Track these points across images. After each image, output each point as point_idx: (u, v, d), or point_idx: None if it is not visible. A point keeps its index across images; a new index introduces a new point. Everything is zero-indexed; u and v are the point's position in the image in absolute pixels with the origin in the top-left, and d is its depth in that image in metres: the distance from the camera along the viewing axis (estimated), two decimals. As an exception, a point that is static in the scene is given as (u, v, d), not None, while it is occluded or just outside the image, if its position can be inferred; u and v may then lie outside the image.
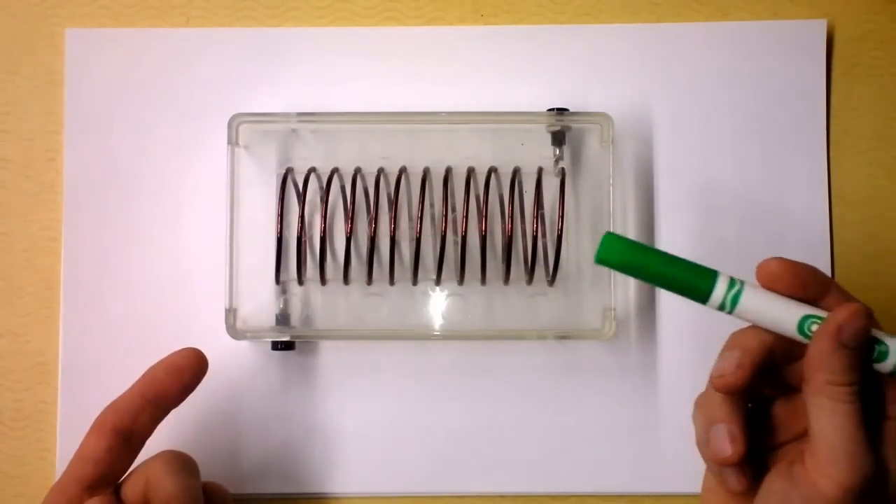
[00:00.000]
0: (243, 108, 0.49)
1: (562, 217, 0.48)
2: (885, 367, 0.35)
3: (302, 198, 0.49)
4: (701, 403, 0.38)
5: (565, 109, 0.49)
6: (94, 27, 0.53)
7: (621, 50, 0.52)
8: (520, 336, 0.50)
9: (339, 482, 0.51)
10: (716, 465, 0.37)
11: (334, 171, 0.50)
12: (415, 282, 0.50)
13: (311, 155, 0.51)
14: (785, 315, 0.35)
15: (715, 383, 0.36)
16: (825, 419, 0.33)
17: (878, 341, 0.35)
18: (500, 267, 0.49)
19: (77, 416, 0.51)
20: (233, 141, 0.49)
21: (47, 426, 0.51)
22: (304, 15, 0.53)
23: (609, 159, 0.48)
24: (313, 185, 0.50)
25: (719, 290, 0.35)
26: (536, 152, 0.50)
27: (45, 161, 0.53)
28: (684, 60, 0.52)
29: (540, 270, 0.49)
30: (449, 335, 0.50)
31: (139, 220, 0.52)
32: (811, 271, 0.36)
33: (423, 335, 0.51)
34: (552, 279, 0.49)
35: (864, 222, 0.52)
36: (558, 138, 0.50)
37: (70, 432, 0.51)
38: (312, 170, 0.50)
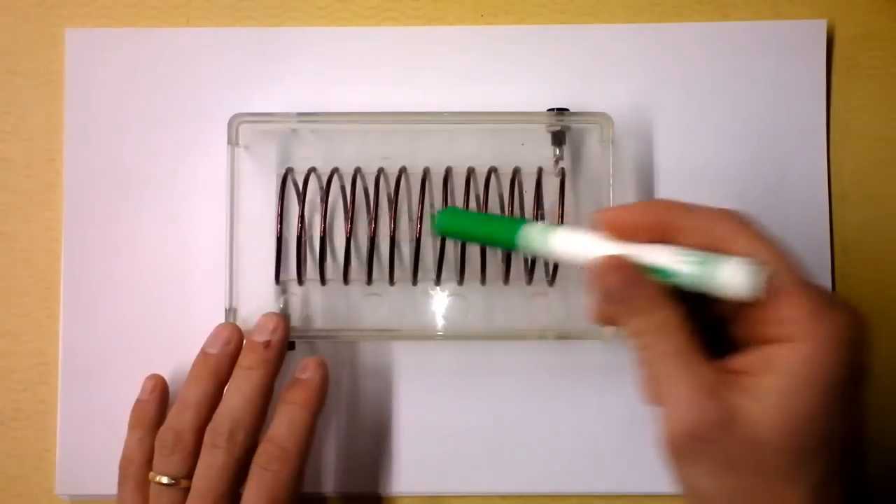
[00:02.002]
0: (243, 108, 0.49)
1: (562, 217, 0.48)
2: (709, 286, 0.32)
3: (302, 198, 0.49)
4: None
5: (565, 109, 0.49)
6: (94, 27, 0.53)
7: (621, 50, 0.52)
8: (520, 336, 0.50)
9: (339, 482, 0.51)
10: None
11: (334, 171, 0.50)
12: (415, 282, 0.50)
13: (311, 155, 0.51)
14: (581, 252, 0.35)
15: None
16: (649, 371, 0.33)
17: (666, 272, 0.32)
18: (500, 267, 0.49)
19: (77, 416, 0.51)
20: (233, 141, 0.49)
21: (47, 426, 0.51)
22: (304, 15, 0.53)
23: (609, 159, 0.48)
24: (313, 185, 0.50)
25: (530, 241, 0.36)
26: (536, 152, 0.50)
27: (45, 161, 0.53)
28: (684, 60, 0.52)
29: (540, 270, 0.49)
30: (449, 335, 0.50)
31: (139, 220, 0.52)
32: (648, 215, 0.34)
33: (423, 335, 0.51)
34: (552, 279, 0.49)
35: (864, 222, 0.52)
36: (558, 138, 0.50)
37: (70, 432, 0.51)
38: (312, 170, 0.50)
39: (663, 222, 0.33)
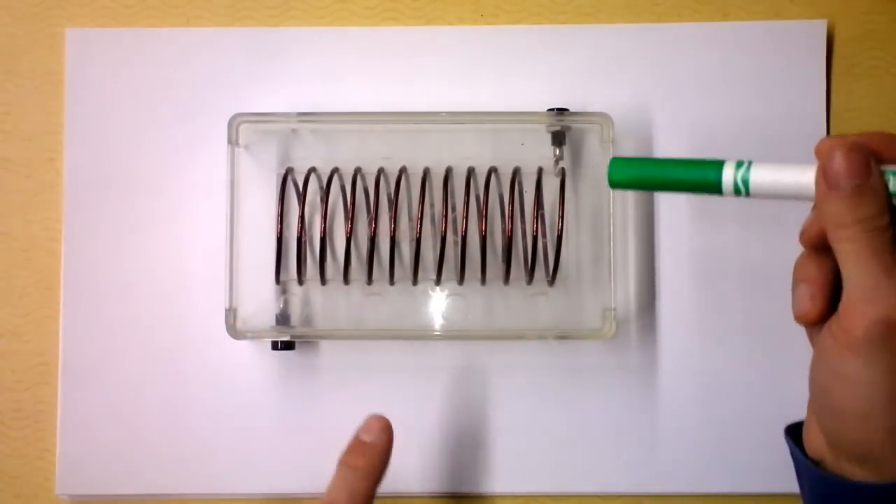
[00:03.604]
0: (243, 108, 0.49)
1: (562, 217, 0.48)
2: None
3: (302, 198, 0.49)
4: (795, 266, 0.37)
5: (565, 109, 0.49)
6: (94, 27, 0.53)
7: (621, 50, 0.52)
8: (520, 336, 0.50)
9: (339, 482, 0.51)
10: (799, 322, 0.36)
11: (334, 171, 0.50)
12: (415, 282, 0.50)
13: (311, 155, 0.51)
14: (801, 178, 0.34)
15: (800, 321, 0.36)
16: (849, 265, 0.32)
17: (892, 172, 0.33)
18: (500, 267, 0.49)
19: (77, 416, 0.51)
20: (233, 141, 0.49)
21: (47, 426, 0.51)
22: (304, 15, 0.53)
23: (609, 159, 0.48)
24: (313, 185, 0.50)
25: (728, 175, 0.35)
26: (536, 152, 0.50)
27: (45, 161, 0.53)
28: (684, 60, 0.52)
29: (540, 270, 0.49)
30: (449, 335, 0.50)
31: (139, 220, 0.52)
32: (876, 138, 0.34)
33: (423, 335, 0.51)
34: (552, 279, 0.49)
35: (864, 222, 0.52)
36: (558, 138, 0.50)
37: (70, 432, 0.51)
38: (312, 170, 0.50)
39: (884, 148, 0.33)
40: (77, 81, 0.52)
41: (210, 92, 0.52)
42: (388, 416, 0.51)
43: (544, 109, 0.50)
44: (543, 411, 0.51)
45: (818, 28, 0.52)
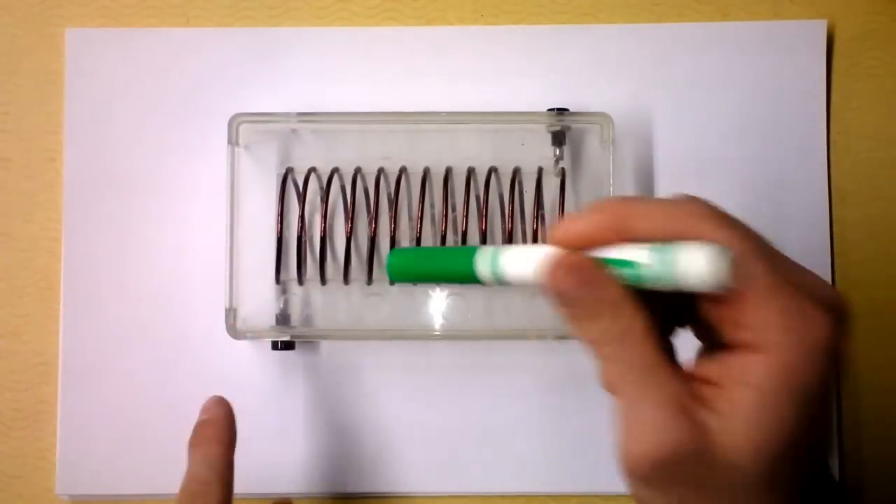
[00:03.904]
0: (243, 108, 0.49)
1: (562, 217, 0.48)
2: (668, 282, 0.28)
3: (302, 198, 0.49)
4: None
5: (565, 109, 0.49)
6: (94, 27, 0.53)
7: (621, 50, 0.52)
8: (520, 336, 0.50)
9: (340, 482, 0.51)
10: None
11: (334, 171, 0.50)
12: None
13: (311, 155, 0.51)
14: (530, 269, 0.30)
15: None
16: (609, 379, 0.29)
17: (625, 263, 0.28)
18: (500, 267, 0.49)
19: (77, 416, 0.51)
20: (233, 141, 0.49)
21: (47, 426, 0.51)
22: (304, 15, 0.53)
23: (609, 159, 0.48)
24: (313, 185, 0.50)
25: (482, 266, 0.32)
26: (536, 152, 0.50)
27: (45, 161, 0.53)
28: (684, 60, 0.52)
29: (540, 270, 0.49)
30: (449, 335, 0.50)
31: (139, 220, 0.52)
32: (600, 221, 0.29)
33: (423, 335, 0.51)
34: (552, 279, 0.49)
35: (864, 222, 0.52)
36: (558, 138, 0.50)
37: (70, 432, 0.51)
38: (312, 170, 0.50)
39: (619, 221, 0.29)
40: (77, 81, 0.52)
41: (210, 92, 0.52)
42: (388, 416, 0.51)
43: (544, 109, 0.50)
44: (543, 411, 0.51)
45: (818, 28, 0.52)
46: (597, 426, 0.51)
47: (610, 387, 0.30)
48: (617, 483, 0.51)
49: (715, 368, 0.29)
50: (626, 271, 0.28)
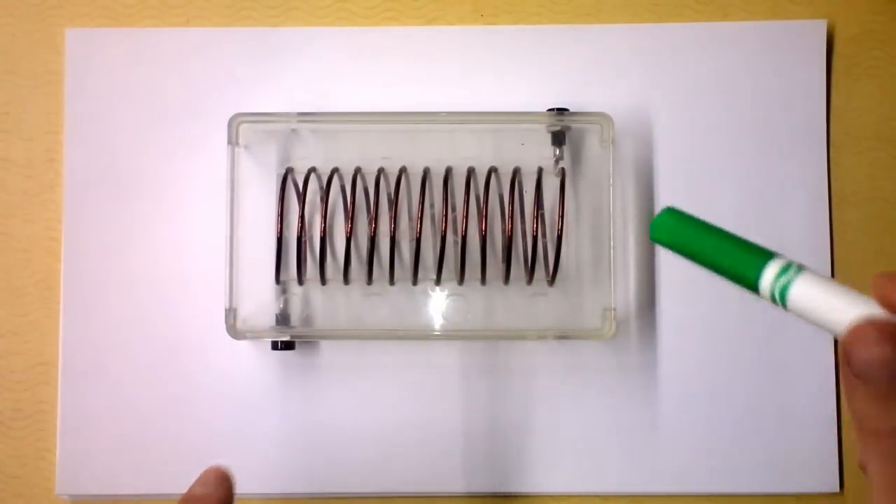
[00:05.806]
0: (243, 108, 0.49)
1: (562, 217, 0.48)
2: None
3: (302, 198, 0.49)
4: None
5: (565, 109, 0.49)
6: (94, 27, 0.53)
7: (621, 50, 0.52)
8: (520, 336, 0.50)
9: (339, 482, 0.51)
10: None
11: (334, 171, 0.50)
12: (415, 282, 0.50)
13: (311, 155, 0.51)
14: (834, 316, 0.26)
15: None
16: (881, 495, 0.24)
17: None
18: (500, 267, 0.49)
19: (77, 416, 0.51)
20: (233, 141, 0.49)
21: (47, 426, 0.51)
22: (304, 15, 0.53)
23: (609, 159, 0.48)
24: (313, 185, 0.50)
25: (767, 279, 0.28)
26: (536, 152, 0.50)
27: (45, 161, 0.53)
28: (684, 60, 0.52)
29: (540, 270, 0.49)
30: (449, 335, 0.50)
31: (139, 220, 0.52)
32: None
33: (423, 335, 0.51)
34: (552, 279, 0.49)
35: (864, 222, 0.52)
36: (558, 138, 0.50)
37: (70, 432, 0.51)
38: (312, 170, 0.50)
39: None
40: (77, 81, 0.52)
41: (210, 92, 0.52)
42: (387, 416, 0.51)
43: (544, 109, 0.50)
44: (543, 411, 0.51)
45: (818, 28, 0.52)
46: (596, 426, 0.51)
47: (877, 494, 0.25)
48: (616, 483, 0.51)
49: None
50: None
